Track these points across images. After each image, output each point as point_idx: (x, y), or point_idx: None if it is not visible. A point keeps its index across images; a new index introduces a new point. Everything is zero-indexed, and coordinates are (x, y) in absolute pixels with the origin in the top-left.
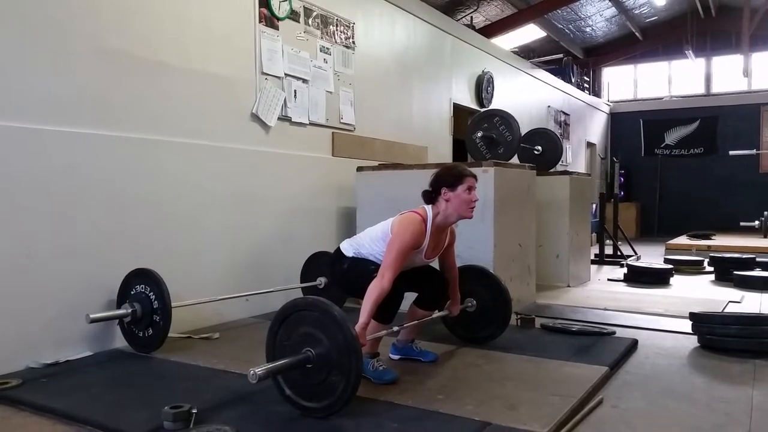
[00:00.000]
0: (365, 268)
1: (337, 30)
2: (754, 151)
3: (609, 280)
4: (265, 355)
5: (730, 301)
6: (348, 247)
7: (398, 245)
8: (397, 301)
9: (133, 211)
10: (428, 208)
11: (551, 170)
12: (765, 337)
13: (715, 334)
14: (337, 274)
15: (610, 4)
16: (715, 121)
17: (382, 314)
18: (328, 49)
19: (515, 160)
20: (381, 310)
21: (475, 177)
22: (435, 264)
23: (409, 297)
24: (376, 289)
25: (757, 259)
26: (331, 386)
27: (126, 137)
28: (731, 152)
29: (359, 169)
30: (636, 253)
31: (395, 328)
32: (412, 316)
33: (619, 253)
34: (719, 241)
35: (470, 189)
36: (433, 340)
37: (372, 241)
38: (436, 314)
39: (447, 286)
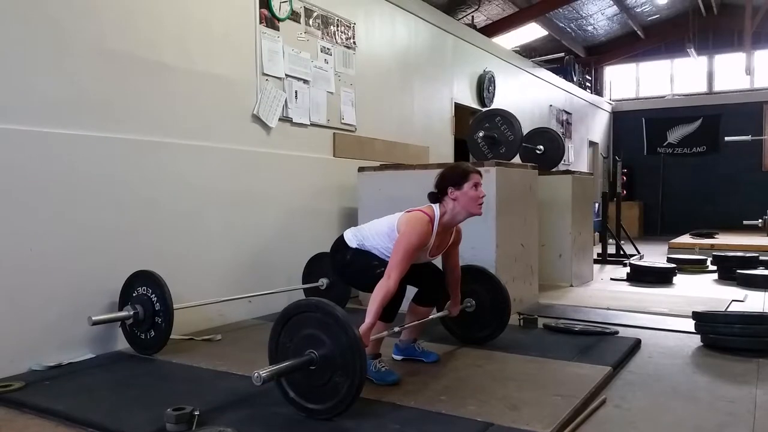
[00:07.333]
0: (368, 263)
1: (337, 30)
2: (749, 138)
3: (612, 279)
4: (267, 356)
5: (733, 300)
6: (352, 237)
7: (405, 246)
8: (399, 298)
9: (135, 212)
10: (435, 207)
11: (553, 170)
12: None
13: (719, 333)
14: (338, 264)
15: (611, 2)
16: (718, 120)
17: (384, 313)
18: (328, 49)
19: (517, 159)
20: (384, 308)
21: (480, 173)
22: (438, 263)
23: (410, 295)
24: (382, 290)
25: (761, 258)
26: (335, 387)
27: (127, 139)
28: (726, 138)
29: (361, 169)
30: (639, 253)
31: (396, 329)
32: (412, 314)
33: (621, 253)
34: (722, 239)
35: (477, 185)
36: (435, 340)
37: (377, 235)
38: (436, 315)
39: (446, 283)
